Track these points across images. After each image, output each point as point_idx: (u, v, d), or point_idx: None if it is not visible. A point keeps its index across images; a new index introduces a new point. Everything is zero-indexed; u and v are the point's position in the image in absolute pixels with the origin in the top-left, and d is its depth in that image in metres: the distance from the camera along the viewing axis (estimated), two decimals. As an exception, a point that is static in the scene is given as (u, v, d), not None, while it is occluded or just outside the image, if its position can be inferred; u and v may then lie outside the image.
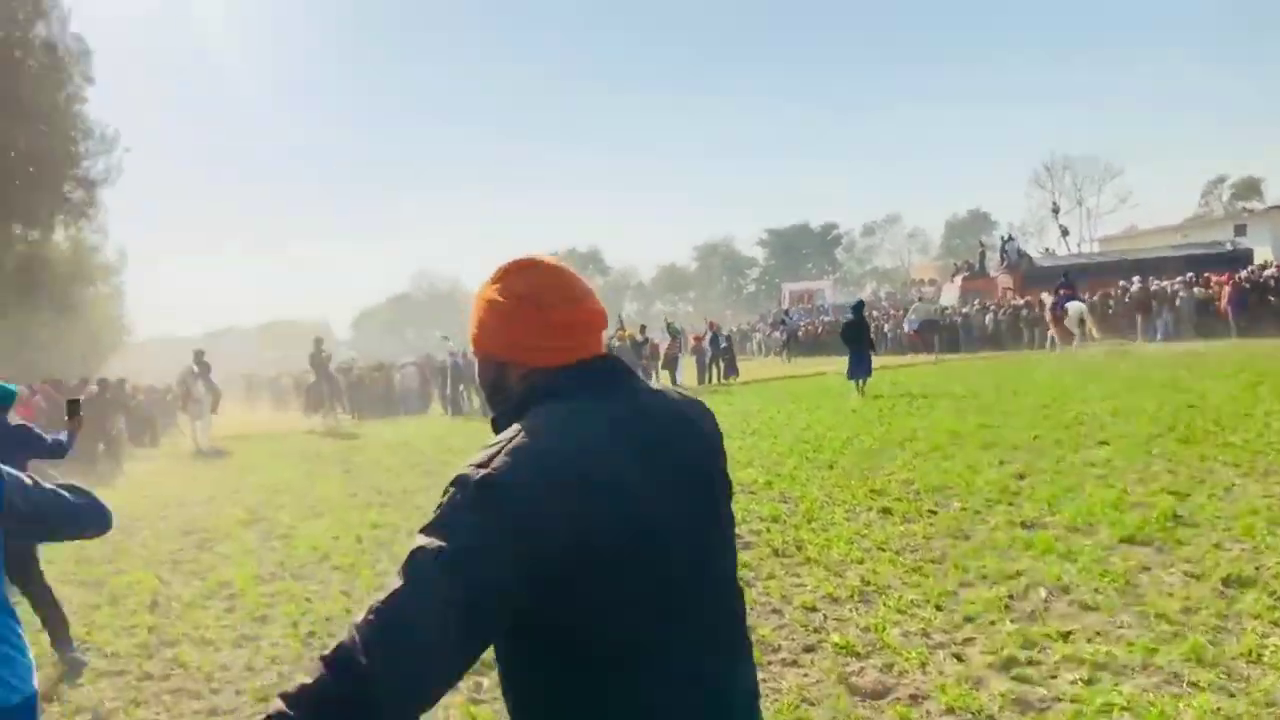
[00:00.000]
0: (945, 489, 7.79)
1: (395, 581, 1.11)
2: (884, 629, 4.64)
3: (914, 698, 3.85)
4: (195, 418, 19.51)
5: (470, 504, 1.15)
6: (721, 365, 26.16)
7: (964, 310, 35.23)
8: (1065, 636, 4.32)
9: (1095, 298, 28.29)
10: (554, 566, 1.14)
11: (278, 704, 1.08)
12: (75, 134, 31.71)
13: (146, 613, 6.30)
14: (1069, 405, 12.50)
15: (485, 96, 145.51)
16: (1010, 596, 4.94)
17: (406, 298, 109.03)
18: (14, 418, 5.48)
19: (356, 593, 6.31)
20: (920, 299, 45.63)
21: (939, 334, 32.35)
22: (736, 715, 1.36)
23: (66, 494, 2.31)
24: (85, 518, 2.36)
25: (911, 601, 5.02)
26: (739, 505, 7.17)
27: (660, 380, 23.53)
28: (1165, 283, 27.46)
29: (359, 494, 10.85)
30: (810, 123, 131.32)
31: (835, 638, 4.58)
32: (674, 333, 26.59)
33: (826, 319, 46.20)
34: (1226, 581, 4.82)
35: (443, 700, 1.57)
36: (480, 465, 1.19)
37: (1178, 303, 25.62)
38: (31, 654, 2.50)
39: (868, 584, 5.39)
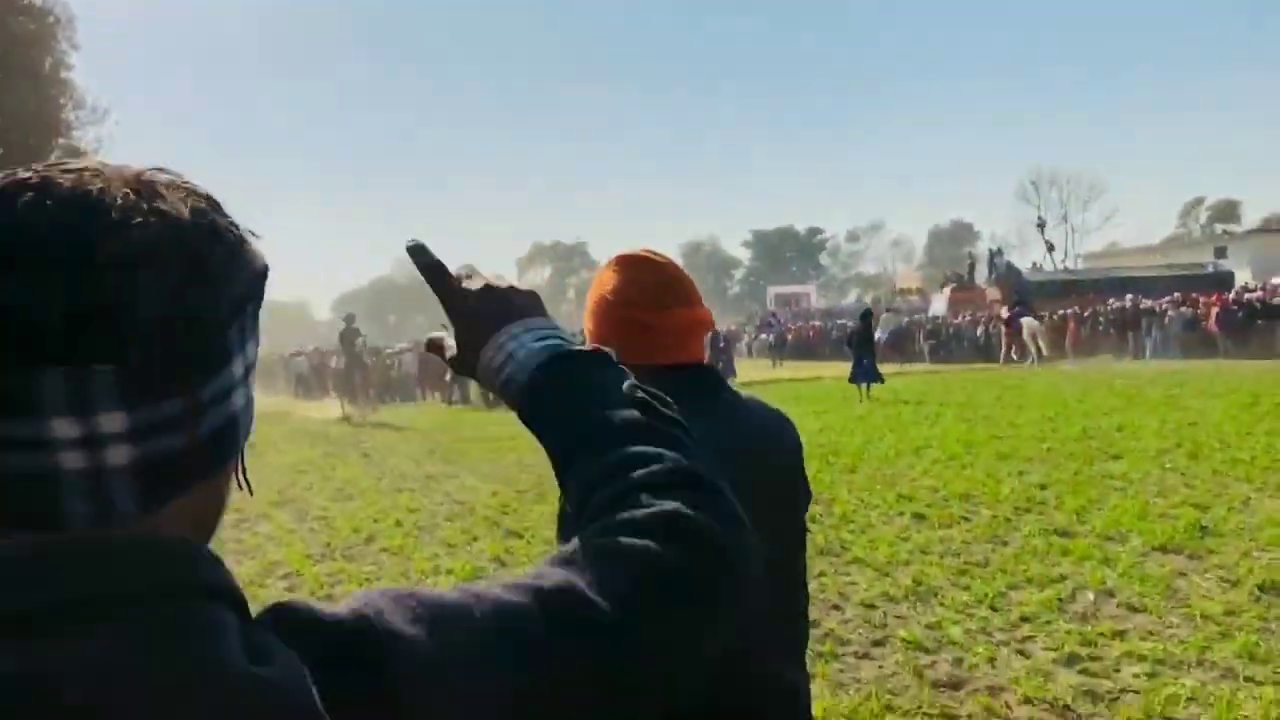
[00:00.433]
0: (971, 496, 8.11)
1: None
2: (946, 626, 4.93)
3: (990, 689, 4.14)
4: None
5: None
6: (720, 366, 26.46)
7: (955, 321, 35.74)
8: (1119, 635, 4.63)
9: (1086, 313, 28.88)
10: None
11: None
12: (65, 101, 31.44)
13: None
14: (1073, 419, 12.88)
15: (474, 88, 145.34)
16: (1059, 599, 5.24)
17: (388, 281, 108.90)
18: None
19: (412, 575, 6.55)
20: (889, 310, 46.37)
21: (915, 343, 32.97)
22: (799, 710, 1.46)
23: None
24: None
25: (965, 602, 5.31)
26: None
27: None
28: (1154, 302, 28.07)
29: (385, 478, 11.07)
30: (799, 128, 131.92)
31: (902, 633, 4.86)
32: None
33: (815, 323, 46.66)
34: (1262, 587, 5.16)
35: None
36: None
37: (1166, 321, 26.21)
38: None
39: (919, 584, 5.68)
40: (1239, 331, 24.27)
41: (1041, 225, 62.37)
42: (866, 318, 19.16)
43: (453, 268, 0.90)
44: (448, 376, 23.97)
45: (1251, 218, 75.82)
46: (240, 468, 0.66)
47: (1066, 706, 3.91)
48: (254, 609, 0.56)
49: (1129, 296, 29.31)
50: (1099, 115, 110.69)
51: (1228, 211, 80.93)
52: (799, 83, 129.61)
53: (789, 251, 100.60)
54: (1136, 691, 4.00)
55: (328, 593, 6.27)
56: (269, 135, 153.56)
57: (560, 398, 0.79)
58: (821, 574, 6.01)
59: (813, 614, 4.20)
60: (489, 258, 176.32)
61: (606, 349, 0.84)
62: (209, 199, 0.62)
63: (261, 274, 0.64)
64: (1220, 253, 50.07)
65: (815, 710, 3.81)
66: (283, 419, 21.23)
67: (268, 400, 31.41)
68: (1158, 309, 27.10)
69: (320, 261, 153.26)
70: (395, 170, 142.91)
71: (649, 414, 0.77)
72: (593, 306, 1.52)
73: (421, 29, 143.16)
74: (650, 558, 0.64)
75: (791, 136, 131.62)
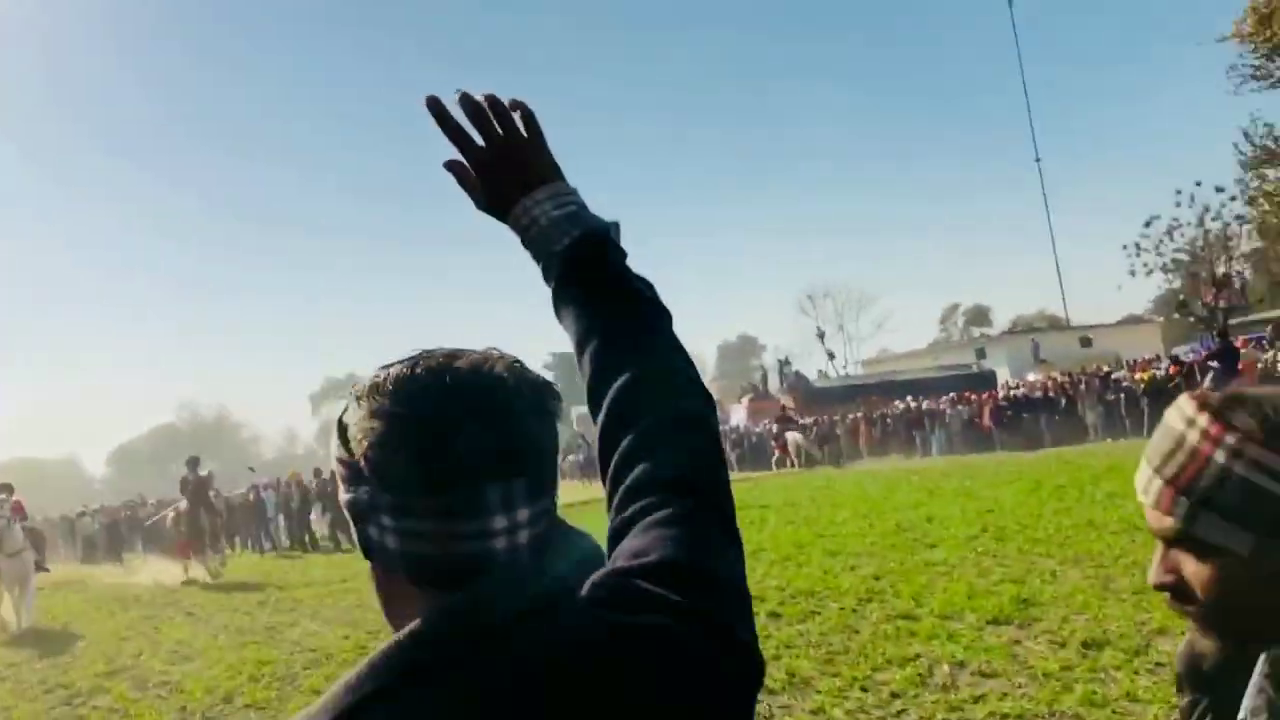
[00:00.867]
0: (815, 592, 8.67)
1: None
2: (829, 710, 5.34)
3: (883, 758, 4.56)
4: (12, 584, 12.55)
5: None
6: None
7: (756, 429, 37.45)
8: (979, 699, 5.19)
9: (875, 415, 31.10)
10: None
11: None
12: None
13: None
14: (886, 515, 13.89)
15: (266, 209, 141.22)
16: (920, 674, 5.77)
17: (171, 428, 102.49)
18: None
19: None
20: None
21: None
22: None
23: None
24: None
25: (839, 687, 5.75)
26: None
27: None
28: (935, 402, 30.64)
29: (221, 634, 10.52)
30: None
31: None
32: None
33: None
34: (1086, 645, 5.89)
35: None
36: None
37: (947, 419, 28.64)
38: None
39: (793, 675, 6.08)
40: (1009, 425, 26.84)
41: (821, 335, 66.86)
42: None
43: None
44: (274, 519, 22.86)
45: (1001, 320, 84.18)
46: None
47: (952, 765, 4.37)
48: None
49: (910, 398, 31.90)
50: (865, 232, 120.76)
51: (981, 316, 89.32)
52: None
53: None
54: (1006, 745, 4.51)
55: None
56: (35, 268, 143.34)
57: (581, 276, 1.06)
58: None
59: None
60: (279, 395, 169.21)
61: (612, 224, 1.10)
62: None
63: None
64: (980, 353, 55.16)
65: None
66: (80, 586, 19.55)
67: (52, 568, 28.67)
68: (939, 409, 29.57)
69: (90, 411, 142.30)
70: (173, 308, 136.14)
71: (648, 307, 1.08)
72: None
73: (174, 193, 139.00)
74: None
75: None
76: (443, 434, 0.79)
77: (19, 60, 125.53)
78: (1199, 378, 19.44)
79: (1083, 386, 26.19)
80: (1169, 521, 0.94)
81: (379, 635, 8.87)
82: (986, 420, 27.43)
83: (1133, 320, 58.72)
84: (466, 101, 1.06)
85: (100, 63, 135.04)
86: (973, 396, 30.19)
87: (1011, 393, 29.03)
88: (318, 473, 23.74)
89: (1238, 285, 39.11)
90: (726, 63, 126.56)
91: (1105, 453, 20.50)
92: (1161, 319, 55.43)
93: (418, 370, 0.83)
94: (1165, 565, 0.97)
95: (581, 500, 15.80)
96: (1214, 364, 18.84)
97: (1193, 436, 0.92)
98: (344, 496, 0.84)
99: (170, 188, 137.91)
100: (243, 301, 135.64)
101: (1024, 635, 6.38)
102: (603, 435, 1.00)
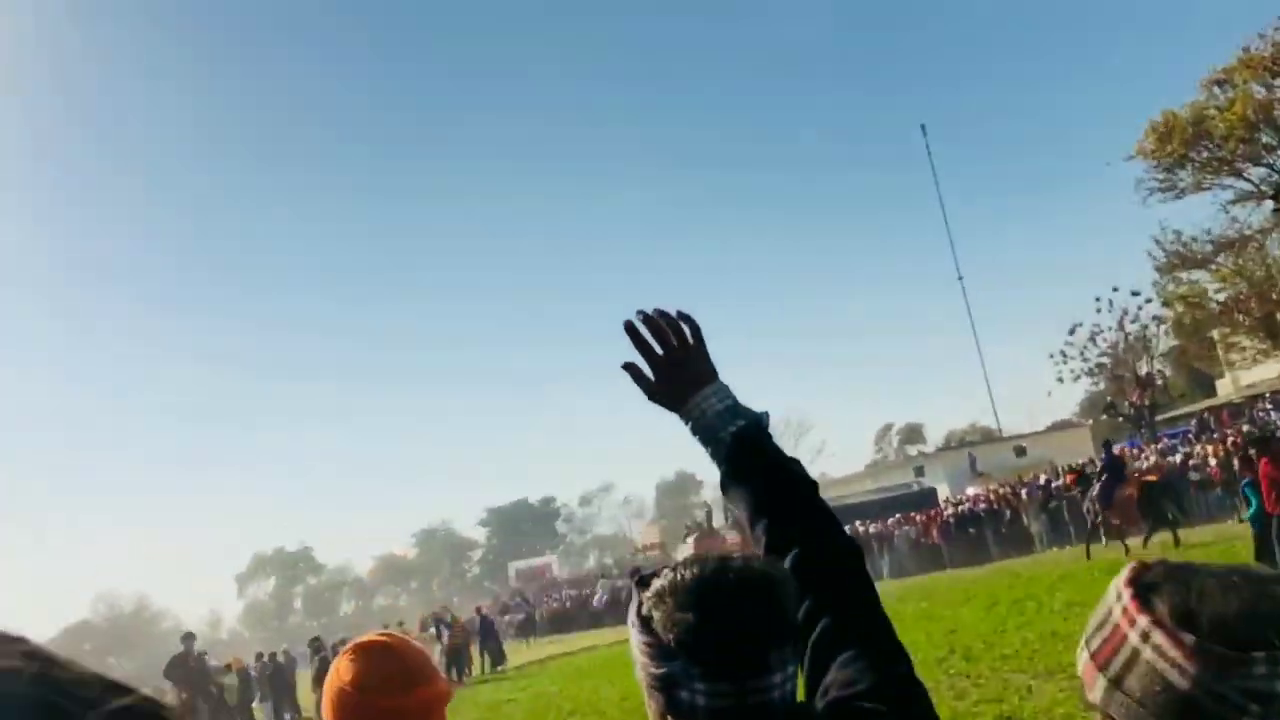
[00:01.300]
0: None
1: None
2: None
3: None
4: None
5: None
6: (487, 656, 25.36)
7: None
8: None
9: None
10: None
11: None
12: None
13: None
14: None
15: (160, 380, 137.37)
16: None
17: (86, 626, 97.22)
18: None
19: None
20: (603, 576, 47.83)
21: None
22: None
23: None
24: None
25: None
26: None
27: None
28: (878, 525, 30.60)
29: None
30: (513, 398, 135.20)
31: None
32: (449, 623, 25.47)
33: (570, 592, 46.45)
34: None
35: None
36: None
37: (895, 541, 28.55)
38: None
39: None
40: (956, 541, 26.84)
41: (761, 468, 66.86)
42: (636, 576, 19.46)
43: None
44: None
45: (935, 436, 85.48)
46: None
47: None
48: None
49: (856, 522, 31.78)
50: (796, 359, 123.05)
51: (915, 433, 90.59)
52: (500, 359, 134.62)
53: (526, 524, 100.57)
54: None
55: None
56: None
57: (748, 462, 1.35)
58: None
59: None
60: (204, 575, 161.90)
61: (763, 414, 1.39)
62: None
63: None
64: (919, 471, 55.68)
65: None
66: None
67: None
68: (886, 530, 29.52)
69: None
70: (83, 496, 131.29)
71: (808, 494, 1.33)
72: (333, 698, 1.55)
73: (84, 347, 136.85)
74: None
75: (506, 409, 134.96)
76: (736, 618, 1.03)
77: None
78: (1092, 486, 20.05)
79: (1024, 496, 26.44)
80: (1090, 697, 0.93)
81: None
82: (935, 538, 27.40)
83: (1063, 425, 60.04)
84: (648, 319, 1.39)
85: None
86: (918, 516, 30.25)
87: (956, 508, 29.15)
88: (259, 656, 22.42)
89: (1160, 383, 40.43)
90: (663, 206, 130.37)
91: (1053, 561, 20.54)
92: (1091, 421, 56.81)
93: (705, 572, 1.07)
94: None
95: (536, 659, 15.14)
96: (1104, 473, 19.65)
97: (1116, 613, 0.91)
98: (655, 671, 1.05)
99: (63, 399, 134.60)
100: (157, 484, 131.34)
101: (1014, 758, 6.09)
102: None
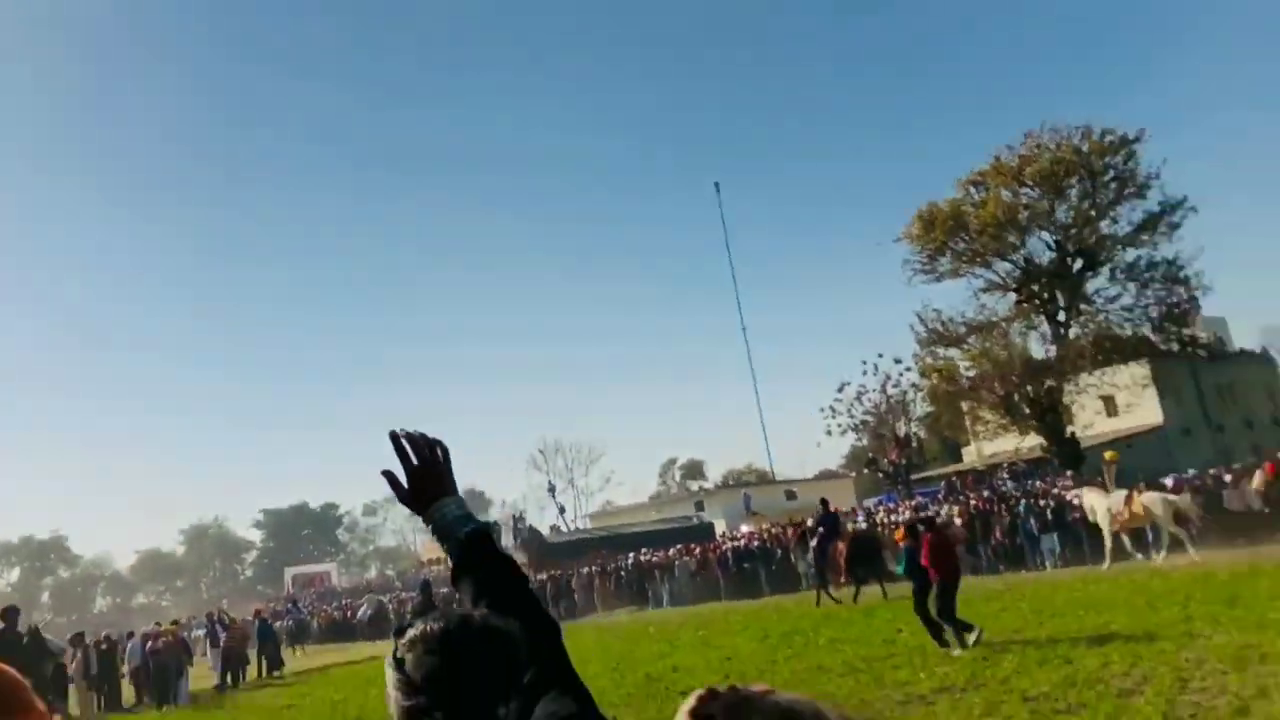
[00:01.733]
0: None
1: None
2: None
3: None
4: None
5: None
6: (265, 660, 24.91)
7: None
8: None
9: (610, 569, 32.27)
10: None
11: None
12: None
13: None
14: (635, 666, 14.68)
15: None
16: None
17: None
18: None
19: None
20: (369, 591, 47.93)
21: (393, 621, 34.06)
22: None
23: None
24: None
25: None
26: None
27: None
28: (660, 554, 32.26)
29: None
30: (294, 400, 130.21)
31: None
32: (226, 624, 24.82)
33: (349, 601, 45.59)
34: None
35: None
36: None
37: (676, 571, 30.23)
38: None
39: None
40: (732, 574, 28.81)
41: (552, 490, 68.06)
42: (426, 590, 20.05)
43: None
44: None
45: (715, 473, 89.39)
46: None
47: None
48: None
49: (643, 549, 33.42)
50: (592, 391, 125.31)
51: (696, 469, 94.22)
52: (294, 360, 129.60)
53: (305, 529, 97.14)
54: None
55: None
56: None
57: (476, 557, 1.67)
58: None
59: None
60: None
61: (494, 524, 1.98)
62: None
63: None
64: (699, 506, 58.30)
65: None
66: None
67: None
68: (668, 560, 31.18)
69: None
70: None
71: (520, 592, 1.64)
72: None
73: None
74: None
75: (296, 413, 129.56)
76: (474, 665, 1.33)
77: None
78: (809, 540, 22.63)
79: (793, 538, 28.66)
80: None
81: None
82: (713, 570, 29.28)
83: (830, 475, 64.42)
84: (409, 436, 1.73)
85: None
86: (697, 548, 32.12)
87: (734, 544, 31.23)
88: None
89: (915, 444, 44.28)
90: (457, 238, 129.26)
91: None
92: (854, 474, 61.20)
93: (450, 626, 1.36)
94: None
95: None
96: (821, 529, 21.99)
97: None
98: (404, 704, 1.31)
99: None
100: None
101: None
102: None
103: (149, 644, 21.22)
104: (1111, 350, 36.70)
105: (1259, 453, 30.38)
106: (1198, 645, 9.44)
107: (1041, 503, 24.33)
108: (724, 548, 30.93)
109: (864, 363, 40.33)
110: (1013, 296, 37.18)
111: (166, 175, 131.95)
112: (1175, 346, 38.39)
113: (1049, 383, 33.53)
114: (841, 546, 21.03)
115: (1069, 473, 30.42)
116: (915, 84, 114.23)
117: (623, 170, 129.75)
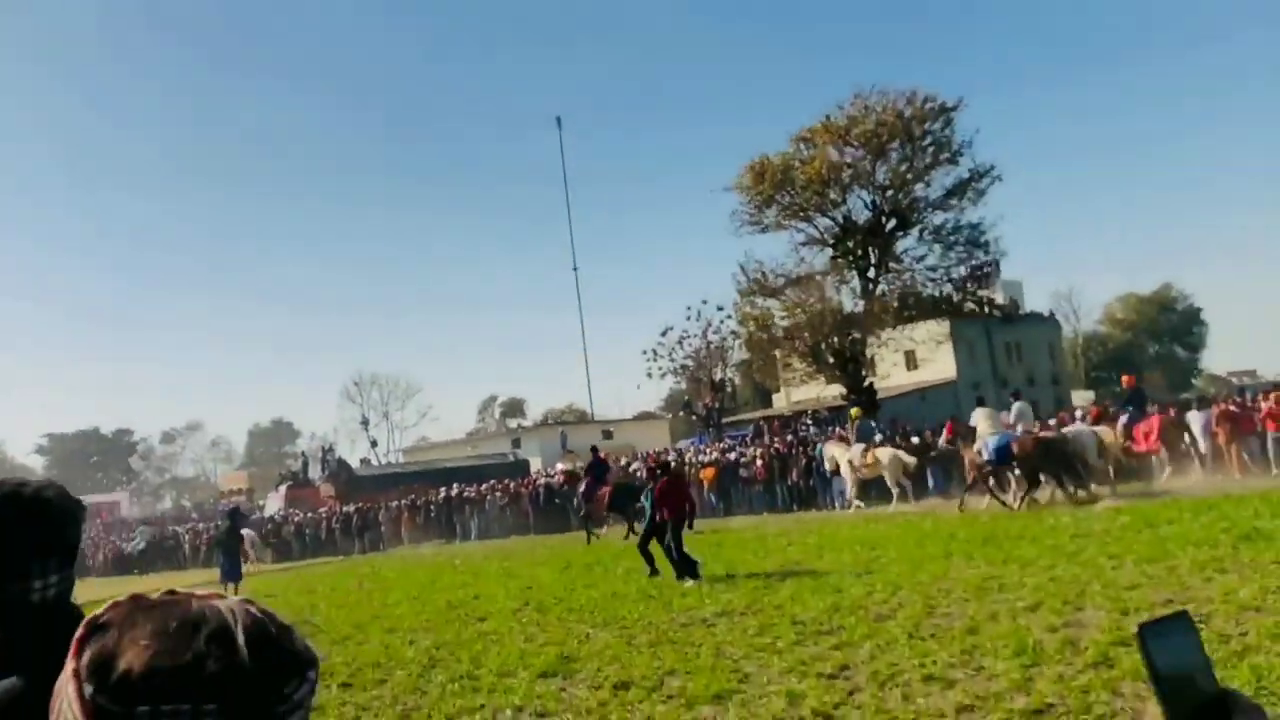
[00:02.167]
0: (382, 664, 9.39)
1: None
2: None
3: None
4: None
5: None
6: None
7: (296, 519, 36.53)
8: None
9: (419, 502, 32.08)
10: None
11: None
12: None
13: None
14: (436, 595, 14.86)
15: None
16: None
17: None
18: None
19: None
20: (143, 523, 47.02)
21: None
22: None
23: None
24: None
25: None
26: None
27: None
28: (475, 489, 32.32)
29: None
30: (79, 321, 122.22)
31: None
32: None
33: (142, 536, 43.59)
34: (616, 686, 7.32)
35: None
36: None
37: (487, 506, 30.40)
38: None
39: (374, 733, 6.82)
40: (543, 510, 29.25)
41: (365, 423, 66.71)
42: (234, 516, 19.49)
43: None
44: None
45: (535, 412, 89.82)
46: None
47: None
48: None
49: (455, 485, 33.31)
50: (412, 324, 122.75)
51: (516, 407, 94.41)
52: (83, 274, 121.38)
53: (94, 456, 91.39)
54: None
55: None
56: None
57: None
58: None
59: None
60: None
61: None
62: None
63: None
64: (516, 443, 58.61)
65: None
66: None
67: None
68: (479, 495, 31.29)
69: None
70: None
71: None
72: None
73: None
74: None
75: (82, 329, 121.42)
76: (6, 530, 1.38)
77: None
78: (580, 484, 24.96)
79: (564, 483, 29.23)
80: None
81: None
82: (526, 506, 29.63)
83: (647, 416, 65.99)
84: None
85: None
86: (510, 484, 32.36)
87: (545, 480, 31.61)
88: None
89: (730, 390, 45.95)
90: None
91: (623, 533, 23.31)
92: (670, 416, 62.97)
93: (4, 489, 1.42)
94: None
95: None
96: (589, 475, 24.47)
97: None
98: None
99: None
100: None
101: (568, 684, 7.69)
102: None
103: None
104: (915, 307, 39.05)
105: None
106: (949, 577, 10.43)
107: (837, 448, 25.81)
108: (537, 483, 31.25)
109: (688, 309, 41.36)
110: (830, 251, 38.86)
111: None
112: (973, 307, 41.19)
113: (854, 335, 35.37)
114: (605, 491, 22.79)
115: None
116: (765, 33, 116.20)
117: (458, 93, 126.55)
